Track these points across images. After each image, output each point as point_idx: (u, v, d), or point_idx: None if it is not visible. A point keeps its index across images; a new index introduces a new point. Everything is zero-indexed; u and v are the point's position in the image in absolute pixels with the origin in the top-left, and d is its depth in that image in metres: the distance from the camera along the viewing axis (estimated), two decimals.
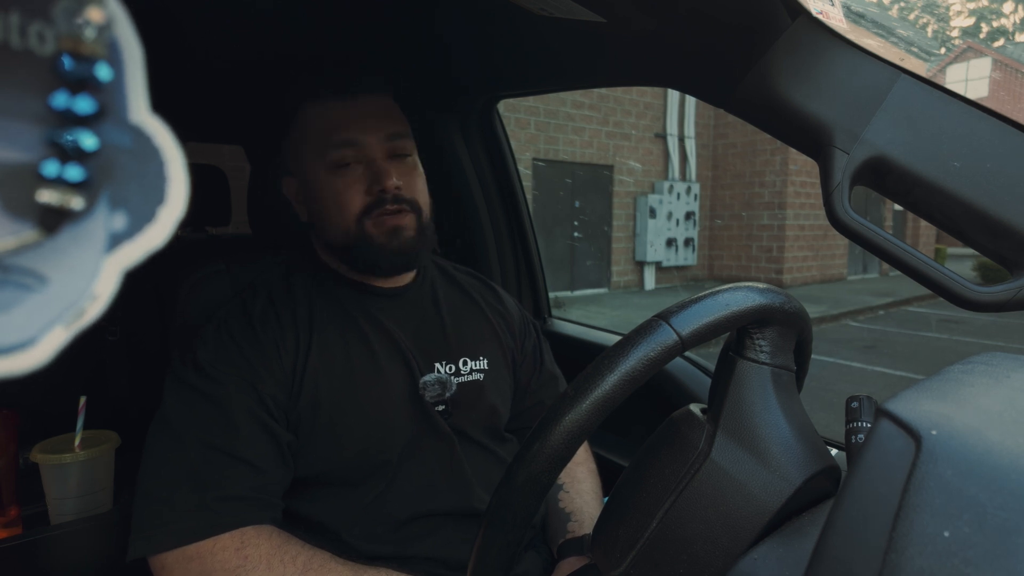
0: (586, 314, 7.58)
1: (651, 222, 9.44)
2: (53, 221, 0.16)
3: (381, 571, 0.69)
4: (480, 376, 0.91)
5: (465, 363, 0.90)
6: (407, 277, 0.93)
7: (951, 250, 13.52)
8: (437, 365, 0.88)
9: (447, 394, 0.86)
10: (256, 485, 0.70)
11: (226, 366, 0.75)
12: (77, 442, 0.91)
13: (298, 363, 0.79)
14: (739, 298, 0.46)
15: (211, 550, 0.65)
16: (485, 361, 0.92)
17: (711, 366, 1.10)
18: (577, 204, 8.99)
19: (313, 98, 0.84)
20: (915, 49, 12.27)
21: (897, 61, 0.60)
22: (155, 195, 0.17)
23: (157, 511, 0.67)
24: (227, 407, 0.72)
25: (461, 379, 0.88)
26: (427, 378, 0.85)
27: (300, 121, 0.85)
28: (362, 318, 0.85)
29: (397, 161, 0.85)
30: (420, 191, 0.87)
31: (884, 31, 11.19)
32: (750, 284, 0.48)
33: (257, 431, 0.72)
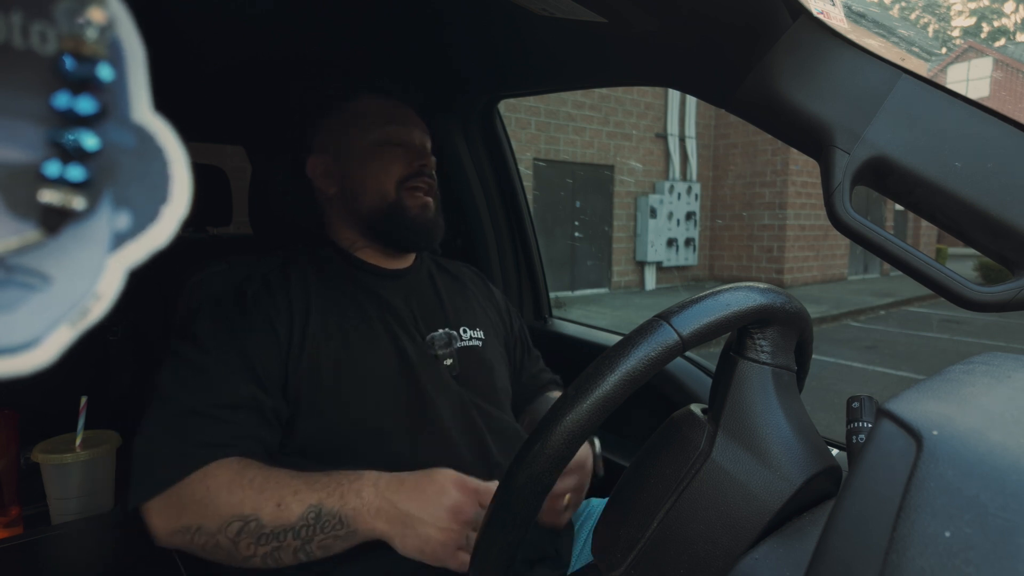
0: (587, 314, 7.58)
1: (652, 222, 9.44)
2: (55, 221, 0.16)
3: (333, 476, 0.71)
4: (479, 343, 0.97)
5: (465, 331, 0.96)
6: (407, 261, 1.00)
7: (952, 250, 13.50)
8: (441, 329, 0.93)
9: (455, 345, 0.92)
10: (232, 435, 0.74)
11: (212, 335, 0.79)
12: (78, 442, 0.92)
13: (294, 334, 0.82)
14: (740, 298, 0.46)
15: (182, 488, 0.70)
16: (481, 332, 0.99)
17: (712, 366, 1.10)
18: (578, 204, 8.99)
19: (372, 91, 0.97)
20: (916, 49, 12.26)
21: (898, 61, 0.60)
22: (158, 194, 0.17)
23: (144, 468, 0.72)
24: (209, 372, 0.76)
25: (463, 343, 0.94)
26: (434, 334, 0.91)
27: (351, 107, 0.96)
28: (361, 292, 0.91)
29: (428, 156, 0.97)
30: (436, 189, 0.98)
31: (885, 31, 11.18)
32: (751, 284, 0.48)
33: (238, 394, 0.76)
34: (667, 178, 9.85)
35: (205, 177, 1.39)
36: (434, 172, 0.97)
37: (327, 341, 0.83)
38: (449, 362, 0.90)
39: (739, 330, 0.50)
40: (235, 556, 0.68)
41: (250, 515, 0.67)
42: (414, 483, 0.69)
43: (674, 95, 9.50)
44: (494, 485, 0.62)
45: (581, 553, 0.94)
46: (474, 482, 0.70)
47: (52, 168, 0.16)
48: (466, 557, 0.63)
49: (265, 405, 0.77)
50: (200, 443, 0.72)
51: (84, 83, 0.16)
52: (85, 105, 0.16)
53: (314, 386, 0.81)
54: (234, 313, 0.82)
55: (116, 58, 0.16)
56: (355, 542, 0.68)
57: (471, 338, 0.96)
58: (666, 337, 0.43)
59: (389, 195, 0.92)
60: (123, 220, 0.17)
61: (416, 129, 0.96)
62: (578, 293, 9.06)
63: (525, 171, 7.89)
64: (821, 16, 0.62)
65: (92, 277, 0.16)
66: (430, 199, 0.94)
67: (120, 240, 0.17)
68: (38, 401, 1.01)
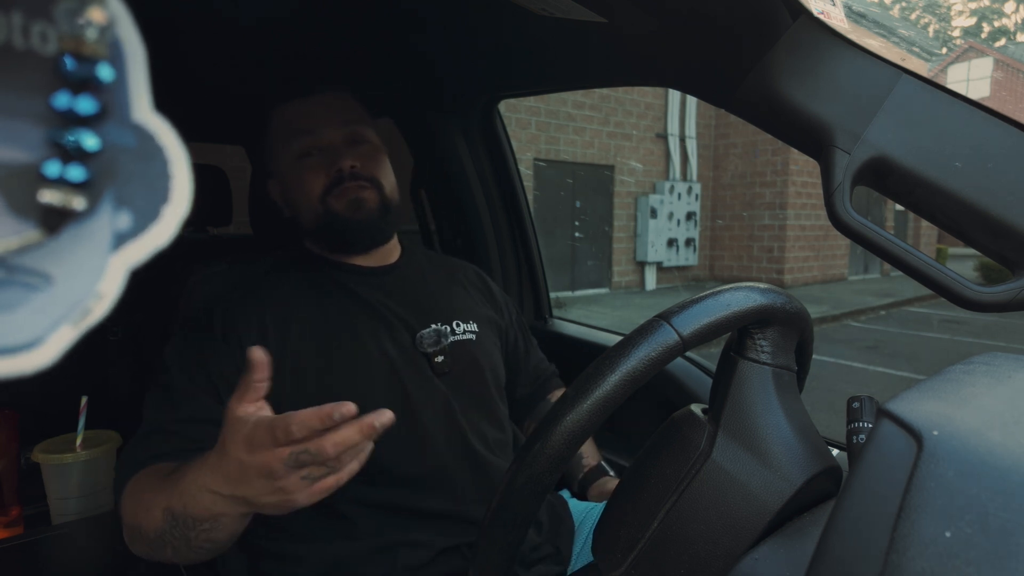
0: (587, 314, 7.58)
1: (652, 222, 9.43)
2: (55, 221, 0.16)
3: (177, 475, 0.64)
4: (472, 336, 0.96)
5: (458, 324, 0.95)
6: (392, 256, 0.98)
7: (952, 250, 13.49)
8: (433, 325, 0.92)
9: (444, 342, 0.91)
10: (182, 447, 0.73)
11: (178, 356, 0.81)
12: (78, 442, 0.92)
13: (270, 344, 0.82)
14: (740, 298, 0.46)
15: (122, 503, 0.70)
16: (475, 325, 0.97)
17: (712, 366, 1.10)
18: (578, 204, 8.99)
19: (279, 103, 0.94)
20: (916, 49, 12.25)
21: (898, 61, 0.60)
22: (159, 194, 0.17)
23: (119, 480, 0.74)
24: (171, 391, 0.78)
25: (455, 338, 0.93)
26: (423, 332, 0.90)
27: (272, 125, 0.95)
28: (344, 295, 0.90)
29: (355, 146, 0.92)
30: (381, 171, 0.93)
31: (885, 31, 11.17)
32: (751, 284, 0.48)
33: (198, 409, 0.77)
34: (667, 178, 9.85)
35: (205, 177, 1.39)
36: (375, 159, 0.92)
37: (309, 346, 0.83)
38: (440, 359, 0.90)
39: (739, 330, 0.50)
40: (161, 556, 0.67)
41: (138, 526, 0.66)
42: (221, 468, 0.59)
43: (674, 95, 9.50)
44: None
45: (581, 553, 0.94)
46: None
47: (52, 168, 0.16)
48: (297, 483, 0.53)
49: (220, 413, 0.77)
50: (145, 457, 0.72)
51: (84, 83, 0.16)
52: (85, 105, 0.16)
53: (299, 391, 0.81)
54: (200, 332, 0.83)
55: (116, 58, 0.16)
56: (231, 526, 0.62)
57: (464, 331, 0.95)
58: (666, 337, 0.44)
59: (317, 210, 0.89)
60: (124, 220, 0.17)
61: (329, 127, 0.90)
62: (578, 293, 9.06)
63: (525, 171, 7.88)
64: (821, 16, 0.62)
65: (93, 277, 0.16)
66: (364, 194, 0.89)
67: (121, 240, 0.17)
68: (38, 401, 1.01)
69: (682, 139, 9.94)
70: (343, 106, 0.94)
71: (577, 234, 8.98)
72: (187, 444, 0.74)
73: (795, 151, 0.70)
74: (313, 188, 0.89)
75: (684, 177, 10.00)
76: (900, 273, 0.61)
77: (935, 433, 0.29)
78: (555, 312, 1.61)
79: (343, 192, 0.88)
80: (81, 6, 0.16)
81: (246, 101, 1.40)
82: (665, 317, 0.45)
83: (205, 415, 0.76)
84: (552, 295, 1.63)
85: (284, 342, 0.83)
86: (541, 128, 8.30)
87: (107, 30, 0.16)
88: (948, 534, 0.26)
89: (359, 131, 0.93)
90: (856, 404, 0.49)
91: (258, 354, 0.54)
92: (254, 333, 0.83)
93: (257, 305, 0.86)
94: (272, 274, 0.93)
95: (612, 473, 1.07)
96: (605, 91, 8.79)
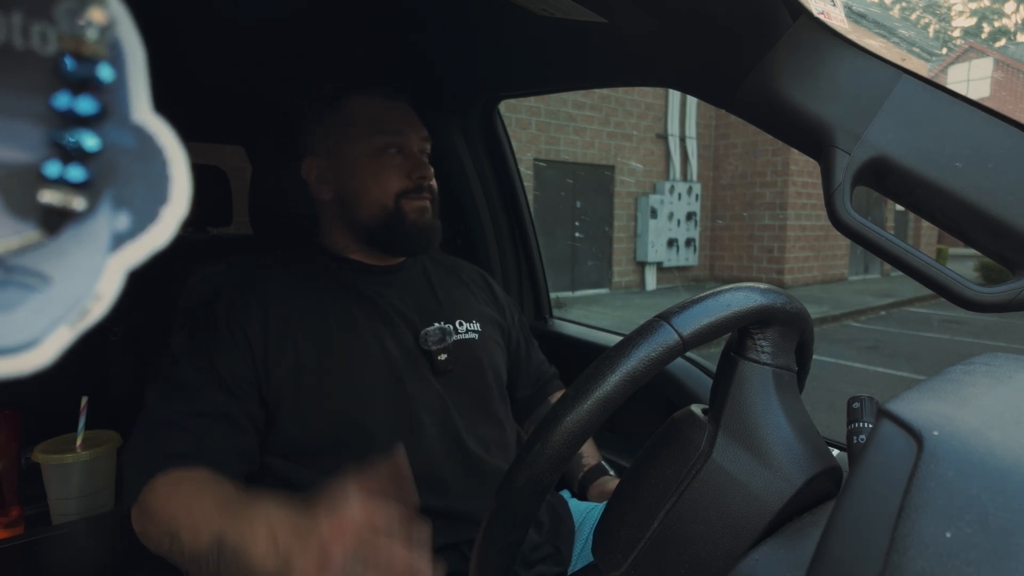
0: (587, 314, 7.58)
1: (652, 222, 9.44)
2: (55, 222, 0.16)
3: (243, 503, 0.64)
4: (475, 336, 0.97)
5: (461, 324, 0.96)
6: (399, 258, 1.00)
7: (953, 250, 13.49)
8: (437, 323, 0.93)
9: (448, 340, 0.92)
10: (197, 445, 0.74)
11: (184, 347, 0.81)
12: (79, 442, 0.92)
13: (271, 340, 0.82)
14: (740, 298, 0.46)
15: (144, 496, 0.70)
16: (477, 324, 0.99)
17: (712, 366, 1.10)
18: (578, 204, 8.99)
19: (363, 92, 0.95)
20: (917, 49, 12.25)
21: (898, 61, 0.60)
22: (158, 195, 0.17)
23: (126, 475, 0.74)
24: (179, 383, 0.78)
25: (459, 336, 0.95)
26: (428, 329, 0.91)
27: (344, 108, 0.94)
28: (348, 293, 0.90)
29: (427, 160, 0.97)
30: (435, 190, 0.98)
31: (886, 31, 11.17)
32: (751, 284, 0.48)
33: (208, 403, 0.77)
34: (667, 178, 9.85)
35: (205, 177, 1.39)
36: (432, 176, 0.96)
37: (309, 344, 0.83)
38: (443, 357, 0.90)
39: (740, 330, 0.50)
40: (185, 567, 0.66)
41: (175, 533, 0.65)
42: (297, 526, 0.58)
43: (674, 95, 9.50)
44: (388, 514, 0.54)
45: (581, 553, 0.94)
46: (355, 513, 0.56)
47: (52, 168, 0.16)
48: None
49: (236, 412, 0.78)
50: (165, 453, 0.72)
51: (84, 83, 0.16)
52: (85, 105, 0.16)
53: (296, 389, 0.81)
54: (204, 325, 0.83)
55: (116, 58, 0.16)
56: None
57: (467, 331, 0.96)
58: (667, 337, 0.43)
59: (388, 207, 0.91)
60: (123, 221, 0.17)
61: (414, 134, 0.95)
62: (579, 293, 9.06)
63: (525, 171, 7.88)
64: (821, 16, 0.62)
65: (92, 278, 0.16)
66: (428, 202, 0.94)
67: (120, 241, 0.17)
68: (39, 401, 1.01)
69: (682, 139, 9.94)
70: (419, 120, 0.98)
71: (577, 234, 8.98)
72: (201, 442, 0.74)
73: (795, 151, 0.70)
74: (391, 185, 0.91)
75: (684, 177, 10.00)
76: (900, 273, 0.61)
77: (935, 433, 0.29)
78: (555, 312, 1.61)
79: (419, 199, 0.92)
80: (81, 6, 0.16)
81: (246, 101, 1.41)
82: (665, 317, 0.45)
83: (215, 409, 0.76)
84: (552, 295, 1.63)
85: (284, 337, 0.83)
86: (541, 128, 8.30)
87: (107, 30, 0.16)
88: (948, 534, 0.26)
89: (428, 147, 0.98)
90: (856, 404, 0.49)
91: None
92: (256, 327, 0.83)
93: (259, 300, 0.86)
94: (274, 271, 0.93)
95: (612, 473, 1.07)
96: (605, 91, 8.79)
